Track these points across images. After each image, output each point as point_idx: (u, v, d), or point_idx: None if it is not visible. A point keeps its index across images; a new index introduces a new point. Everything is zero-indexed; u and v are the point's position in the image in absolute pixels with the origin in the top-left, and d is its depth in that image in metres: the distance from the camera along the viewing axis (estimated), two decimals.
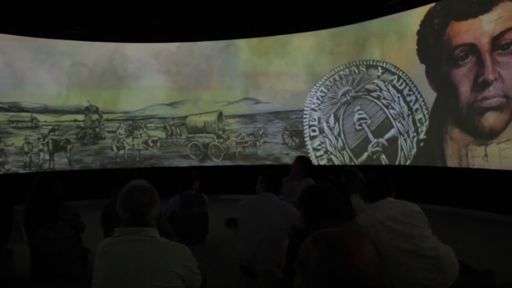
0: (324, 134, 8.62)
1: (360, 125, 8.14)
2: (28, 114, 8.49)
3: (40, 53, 8.58)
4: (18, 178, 8.04)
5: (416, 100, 7.32)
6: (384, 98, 7.80)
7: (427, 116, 7.18)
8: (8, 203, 3.67)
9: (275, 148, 9.11)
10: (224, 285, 3.72)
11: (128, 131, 9.27)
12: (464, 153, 6.61)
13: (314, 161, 8.48)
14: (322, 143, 8.67)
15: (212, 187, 7.55)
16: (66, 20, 8.58)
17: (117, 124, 9.22)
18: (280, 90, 9.05)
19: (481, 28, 6.28)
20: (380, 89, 7.85)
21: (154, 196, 2.09)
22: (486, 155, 6.29)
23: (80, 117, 9.00)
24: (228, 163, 9.34)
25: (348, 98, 8.28)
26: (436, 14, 6.96)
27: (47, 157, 8.66)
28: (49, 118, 8.70)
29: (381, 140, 7.89)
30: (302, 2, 8.39)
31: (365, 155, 8.13)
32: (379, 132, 7.91)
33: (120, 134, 9.22)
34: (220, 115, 9.34)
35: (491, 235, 5.41)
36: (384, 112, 7.82)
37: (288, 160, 8.62)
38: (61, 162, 8.78)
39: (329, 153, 8.59)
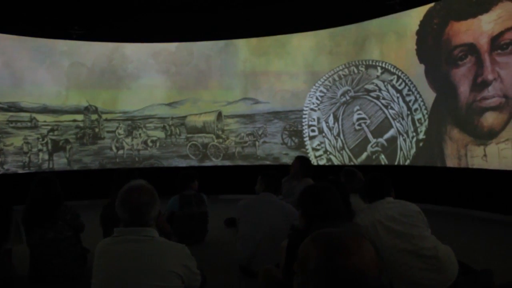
0: (324, 134, 8.62)
1: (359, 125, 8.14)
2: (27, 114, 8.48)
3: (39, 53, 8.57)
4: (17, 178, 8.04)
5: (416, 100, 7.33)
6: (384, 98, 7.80)
7: (426, 116, 7.18)
8: (7, 204, 3.68)
9: (274, 148, 9.12)
10: (223, 285, 3.72)
11: (127, 131, 9.26)
12: (463, 153, 6.61)
13: (314, 161, 8.48)
14: (321, 143, 8.67)
15: (211, 187, 7.55)
16: (65, 20, 8.58)
17: (116, 124, 9.22)
18: (279, 90, 9.05)
19: (480, 28, 6.28)
20: (380, 89, 7.85)
21: (153, 196, 2.09)
22: (485, 155, 6.29)
23: (79, 117, 8.99)
24: (227, 163, 9.34)
25: (348, 98, 8.29)
26: (435, 14, 6.96)
27: (46, 157, 8.66)
28: (48, 118, 8.69)
29: (381, 140, 7.89)
30: (301, 2, 8.40)
31: (364, 155, 8.13)
32: (378, 132, 7.92)
33: (119, 134, 9.22)
34: (219, 115, 9.34)
35: (490, 235, 5.41)
36: (384, 112, 7.83)
37: (287, 160, 8.63)
38: (60, 162, 8.77)
39: (328, 153, 8.59)
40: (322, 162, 8.64)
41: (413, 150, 7.42)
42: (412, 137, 7.41)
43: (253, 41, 9.21)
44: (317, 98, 8.67)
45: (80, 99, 8.98)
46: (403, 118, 7.53)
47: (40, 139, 8.60)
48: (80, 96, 8.98)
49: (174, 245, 2.06)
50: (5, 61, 8.26)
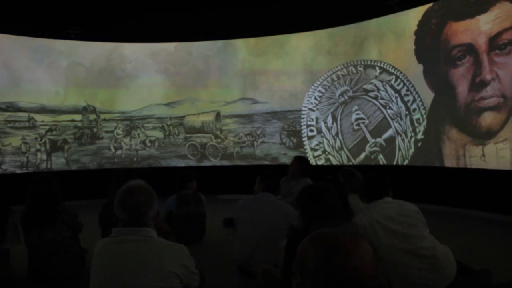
0: (322, 134, 8.63)
1: (358, 125, 8.15)
2: (25, 114, 8.47)
3: (38, 52, 8.56)
4: (15, 178, 8.03)
5: (414, 100, 7.34)
6: (382, 98, 7.81)
7: (424, 116, 7.19)
8: (4, 203, 3.67)
9: (273, 148, 9.12)
10: (221, 285, 3.72)
11: (126, 131, 9.25)
12: (461, 153, 6.62)
13: (312, 161, 8.49)
14: (320, 143, 8.67)
15: (210, 187, 7.55)
16: (63, 20, 8.56)
17: (115, 124, 9.21)
18: (278, 90, 9.05)
19: (479, 28, 6.29)
20: (378, 89, 7.86)
21: (152, 196, 2.09)
22: (483, 155, 6.30)
23: (78, 117, 8.98)
24: (225, 163, 9.33)
25: (346, 98, 8.29)
26: (434, 14, 6.97)
27: (44, 157, 8.65)
28: (47, 118, 8.68)
29: (379, 140, 7.90)
30: (300, 2, 8.40)
31: (363, 155, 8.14)
32: (377, 132, 7.93)
33: (117, 134, 9.21)
34: (218, 115, 9.34)
35: (488, 234, 5.42)
36: (382, 112, 7.83)
37: (286, 160, 8.63)
38: (58, 162, 8.76)
39: (327, 153, 8.59)
40: (321, 162, 8.65)
41: (412, 150, 7.43)
42: (411, 137, 7.42)
43: (252, 41, 9.21)
44: (315, 98, 8.67)
45: (79, 99, 8.97)
46: (401, 118, 7.54)
47: (38, 139, 8.58)
48: (78, 96, 8.97)
49: (173, 245, 2.06)
50: (3, 61, 8.25)
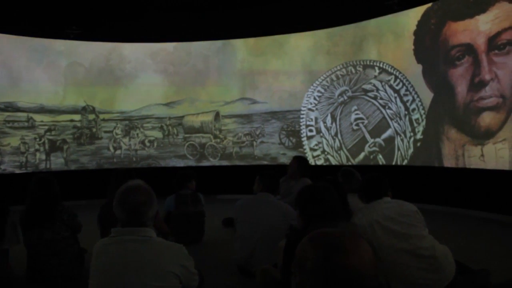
0: (321, 134, 8.63)
1: (357, 125, 8.15)
2: (24, 114, 8.46)
3: (37, 52, 8.55)
4: (14, 179, 8.02)
5: (413, 100, 7.34)
6: (381, 98, 7.81)
7: (423, 116, 7.20)
8: (3, 204, 3.67)
9: (272, 148, 9.12)
10: (221, 285, 3.72)
11: (125, 131, 9.25)
12: (460, 153, 6.63)
13: (311, 161, 8.49)
14: (319, 143, 8.67)
15: (209, 187, 7.55)
16: (62, 20, 8.55)
17: (114, 124, 9.20)
18: (277, 90, 9.05)
19: (478, 28, 6.30)
20: (377, 89, 7.86)
21: (151, 196, 2.09)
22: (482, 155, 6.31)
23: (77, 117, 8.97)
24: (225, 163, 9.33)
25: (345, 98, 8.29)
26: (433, 14, 6.97)
27: (43, 157, 8.64)
28: (46, 118, 8.67)
29: (378, 140, 7.90)
30: (299, 2, 8.40)
31: (362, 155, 8.14)
32: (376, 132, 7.93)
33: (116, 134, 9.21)
34: (217, 115, 9.33)
35: (487, 234, 5.42)
36: (381, 112, 7.84)
37: (285, 160, 8.63)
38: (57, 162, 8.75)
39: (326, 153, 8.59)
40: (320, 162, 8.65)
41: (411, 150, 7.43)
42: (410, 137, 7.43)
43: (251, 41, 9.21)
44: (314, 98, 8.67)
45: (78, 99, 8.96)
46: (400, 118, 7.55)
47: (37, 139, 8.57)
48: (77, 96, 8.96)
49: (172, 245, 2.06)
50: (2, 61, 8.24)
